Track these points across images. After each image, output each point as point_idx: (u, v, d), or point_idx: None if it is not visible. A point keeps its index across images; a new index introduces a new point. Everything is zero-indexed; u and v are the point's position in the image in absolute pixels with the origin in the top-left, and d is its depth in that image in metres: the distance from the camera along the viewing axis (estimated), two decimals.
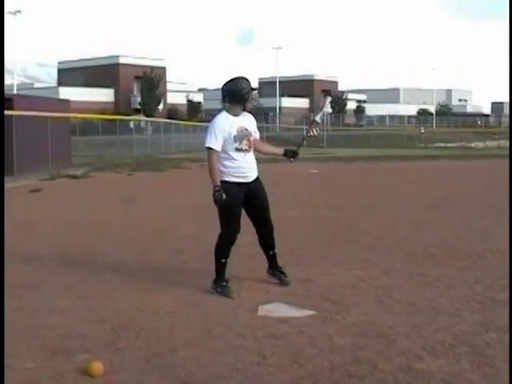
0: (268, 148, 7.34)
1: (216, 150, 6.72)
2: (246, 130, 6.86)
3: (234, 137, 6.75)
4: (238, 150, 6.79)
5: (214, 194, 6.63)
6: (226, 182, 6.77)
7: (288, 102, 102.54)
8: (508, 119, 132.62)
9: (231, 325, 5.81)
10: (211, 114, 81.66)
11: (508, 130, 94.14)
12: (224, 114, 6.87)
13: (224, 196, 6.58)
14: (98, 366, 4.66)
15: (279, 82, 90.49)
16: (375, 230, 11.03)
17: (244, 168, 6.85)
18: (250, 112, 7.12)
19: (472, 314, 6.10)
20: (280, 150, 7.28)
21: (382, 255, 8.78)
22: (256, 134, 7.04)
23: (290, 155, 7.22)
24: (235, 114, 6.83)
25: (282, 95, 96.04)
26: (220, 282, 6.86)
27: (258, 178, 7.04)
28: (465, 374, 4.68)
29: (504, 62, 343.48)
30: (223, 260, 6.89)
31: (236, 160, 6.79)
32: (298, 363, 4.88)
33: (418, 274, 7.68)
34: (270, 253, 7.28)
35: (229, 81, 6.93)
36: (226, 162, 6.80)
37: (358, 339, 5.40)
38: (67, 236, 10.43)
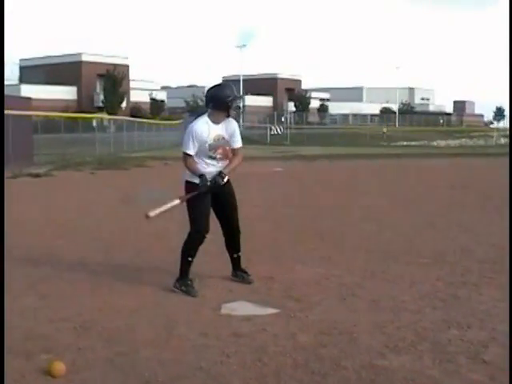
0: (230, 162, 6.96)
1: (192, 156, 6.73)
2: (223, 139, 6.81)
3: (209, 145, 6.73)
4: (211, 157, 6.79)
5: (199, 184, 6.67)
6: (194, 183, 6.80)
7: (252, 101, 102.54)
8: (469, 118, 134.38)
9: (194, 324, 5.79)
10: (174, 112, 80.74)
11: (470, 128, 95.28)
12: (204, 119, 6.79)
13: (208, 182, 6.67)
14: (60, 367, 4.63)
15: (243, 80, 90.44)
16: (338, 228, 11.08)
17: (214, 174, 6.84)
18: (235, 118, 7.09)
19: (434, 311, 6.15)
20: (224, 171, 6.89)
21: (344, 253, 8.83)
22: (235, 144, 6.90)
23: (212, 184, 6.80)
24: (216, 121, 6.76)
25: (245, 94, 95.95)
26: (184, 280, 6.84)
27: (228, 180, 7.04)
28: (427, 370, 4.72)
29: (466, 60, 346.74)
30: (190, 259, 6.88)
31: (207, 166, 6.80)
32: (261, 361, 4.88)
33: (380, 272, 7.73)
34: (235, 255, 7.33)
35: (213, 86, 6.91)
36: (198, 166, 6.80)
37: (321, 337, 5.42)
38: (29, 235, 10.32)
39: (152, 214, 6.71)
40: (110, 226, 11.43)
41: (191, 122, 6.94)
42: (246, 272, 7.32)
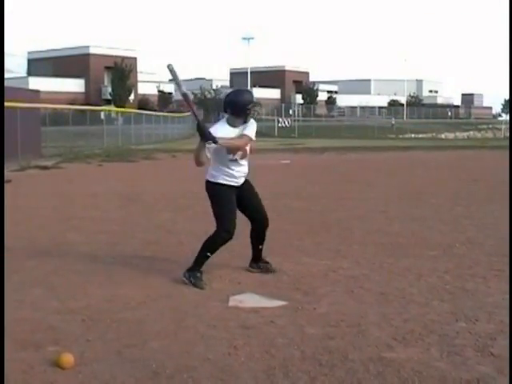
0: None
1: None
2: None
3: (228, 149, 6.75)
4: (231, 160, 6.83)
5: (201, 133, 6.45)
6: (219, 183, 6.86)
7: (259, 93, 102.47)
8: (478, 110, 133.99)
9: (202, 316, 5.80)
10: (182, 105, 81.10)
11: (478, 121, 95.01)
12: (223, 122, 6.85)
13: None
14: (68, 358, 4.64)
15: (250, 72, 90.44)
16: (346, 220, 11.07)
17: (236, 178, 6.90)
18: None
19: (442, 304, 6.15)
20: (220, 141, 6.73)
21: (352, 246, 8.82)
22: (244, 131, 6.80)
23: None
24: (234, 125, 6.80)
25: (253, 86, 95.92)
26: (195, 272, 6.84)
27: (246, 180, 7.12)
28: (434, 362, 4.72)
29: (474, 53, 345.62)
30: (209, 254, 6.89)
31: (230, 169, 6.83)
32: (269, 353, 4.89)
33: (388, 264, 7.72)
34: (260, 247, 7.35)
35: (232, 92, 6.93)
36: (221, 168, 6.84)
37: (328, 329, 5.43)
38: (38, 228, 10.36)
39: (172, 67, 6.68)
40: (119, 218, 11.45)
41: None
42: (267, 262, 7.38)
